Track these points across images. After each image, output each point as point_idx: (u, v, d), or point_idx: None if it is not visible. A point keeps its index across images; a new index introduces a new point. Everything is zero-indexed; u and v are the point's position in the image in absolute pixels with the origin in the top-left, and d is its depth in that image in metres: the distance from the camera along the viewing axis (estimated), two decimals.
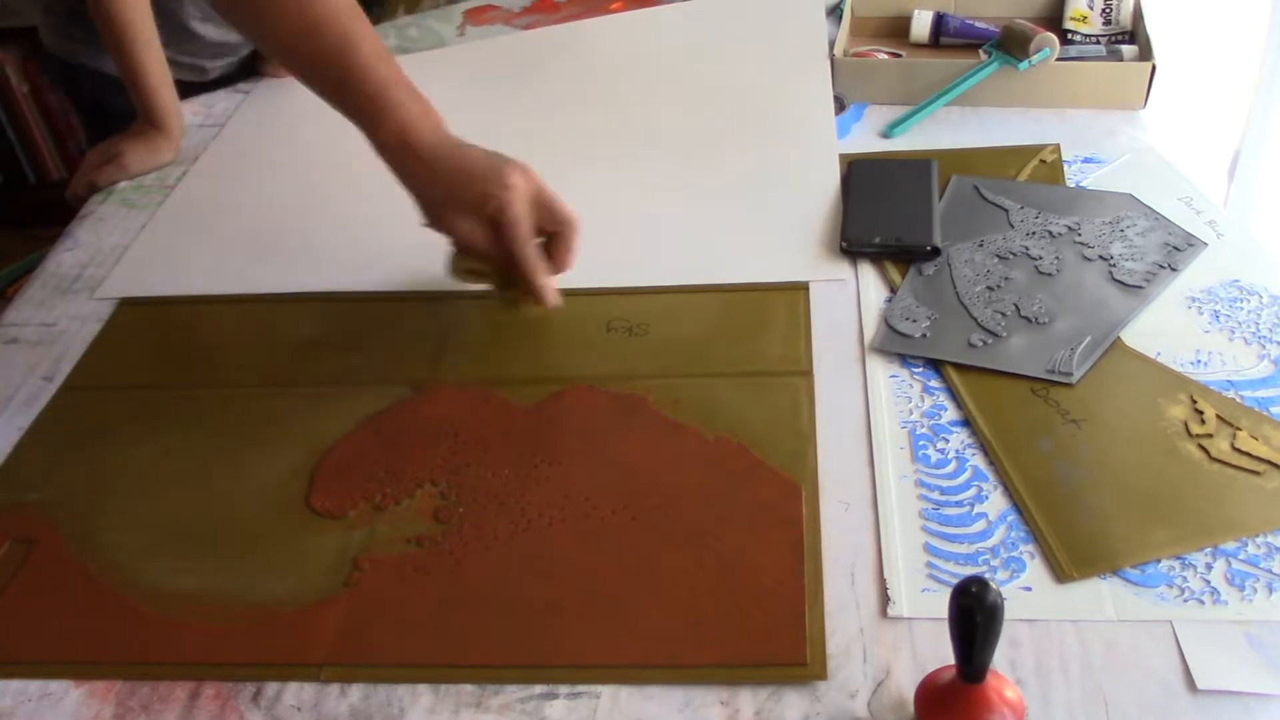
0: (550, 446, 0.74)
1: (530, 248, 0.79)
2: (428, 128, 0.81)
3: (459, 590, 0.65)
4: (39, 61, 2.27)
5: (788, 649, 0.60)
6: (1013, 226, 0.91)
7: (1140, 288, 0.83)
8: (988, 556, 0.65)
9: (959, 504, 0.68)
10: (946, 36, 1.20)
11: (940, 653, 0.59)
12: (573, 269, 0.82)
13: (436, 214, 0.81)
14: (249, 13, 0.85)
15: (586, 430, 0.75)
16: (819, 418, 0.75)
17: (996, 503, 0.68)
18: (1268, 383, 0.75)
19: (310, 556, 0.68)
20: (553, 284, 0.81)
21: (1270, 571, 0.62)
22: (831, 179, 0.99)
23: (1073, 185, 0.96)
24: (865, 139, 1.06)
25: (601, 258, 0.93)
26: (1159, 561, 0.63)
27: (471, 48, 1.31)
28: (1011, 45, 1.08)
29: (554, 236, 0.81)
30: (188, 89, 1.22)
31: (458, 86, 1.21)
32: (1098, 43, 1.15)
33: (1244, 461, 0.69)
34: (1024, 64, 1.06)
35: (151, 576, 0.68)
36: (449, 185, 0.80)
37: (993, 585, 0.50)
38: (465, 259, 0.84)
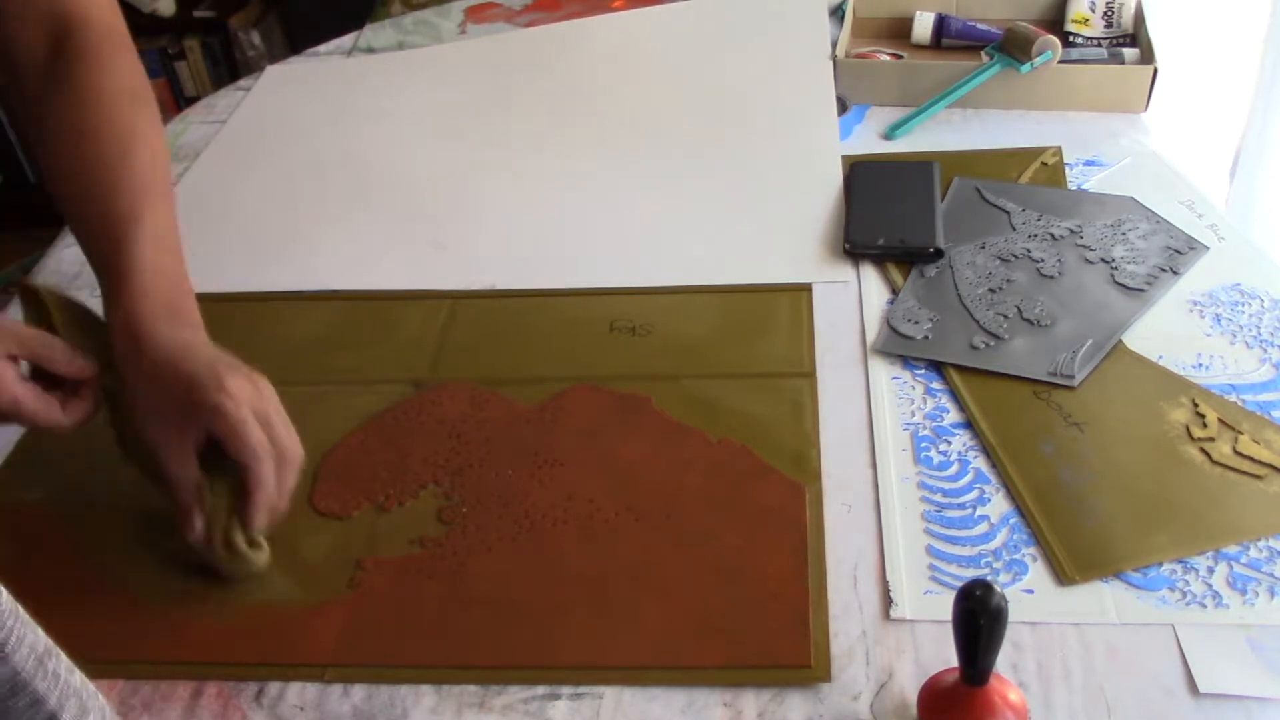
0: (553, 447, 0.74)
1: (263, 458, 0.63)
2: (163, 314, 0.66)
3: (462, 591, 0.65)
4: None
5: (791, 651, 0.60)
6: (1014, 229, 0.91)
7: (1142, 291, 0.83)
8: (990, 559, 0.65)
9: (961, 506, 0.68)
10: (948, 38, 1.20)
11: (943, 655, 0.59)
12: (281, 510, 0.65)
13: (142, 429, 0.66)
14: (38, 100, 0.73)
15: (589, 431, 0.75)
16: (821, 419, 0.75)
17: (999, 505, 0.68)
18: (1269, 386, 0.75)
19: (313, 557, 0.68)
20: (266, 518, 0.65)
21: (1272, 575, 0.63)
22: (833, 180, 0.99)
23: (1074, 188, 0.97)
24: (867, 140, 1.06)
25: (604, 258, 0.93)
26: (1161, 565, 0.64)
27: (472, 45, 1.31)
28: (1013, 47, 1.08)
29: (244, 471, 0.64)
30: None
31: (458, 84, 1.21)
32: (1099, 45, 1.15)
33: (1246, 465, 0.69)
34: (1026, 66, 1.06)
35: (153, 575, 0.68)
36: (158, 392, 0.64)
37: (996, 589, 0.50)
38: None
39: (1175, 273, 0.85)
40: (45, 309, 0.71)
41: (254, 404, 0.64)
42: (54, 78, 0.73)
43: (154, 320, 0.67)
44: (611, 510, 0.69)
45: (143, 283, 0.67)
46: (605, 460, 0.73)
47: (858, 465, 0.72)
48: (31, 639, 0.42)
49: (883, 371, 0.79)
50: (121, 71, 0.74)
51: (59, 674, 0.43)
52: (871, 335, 0.82)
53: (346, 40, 1.35)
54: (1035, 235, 0.90)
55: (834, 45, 1.18)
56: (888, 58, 1.18)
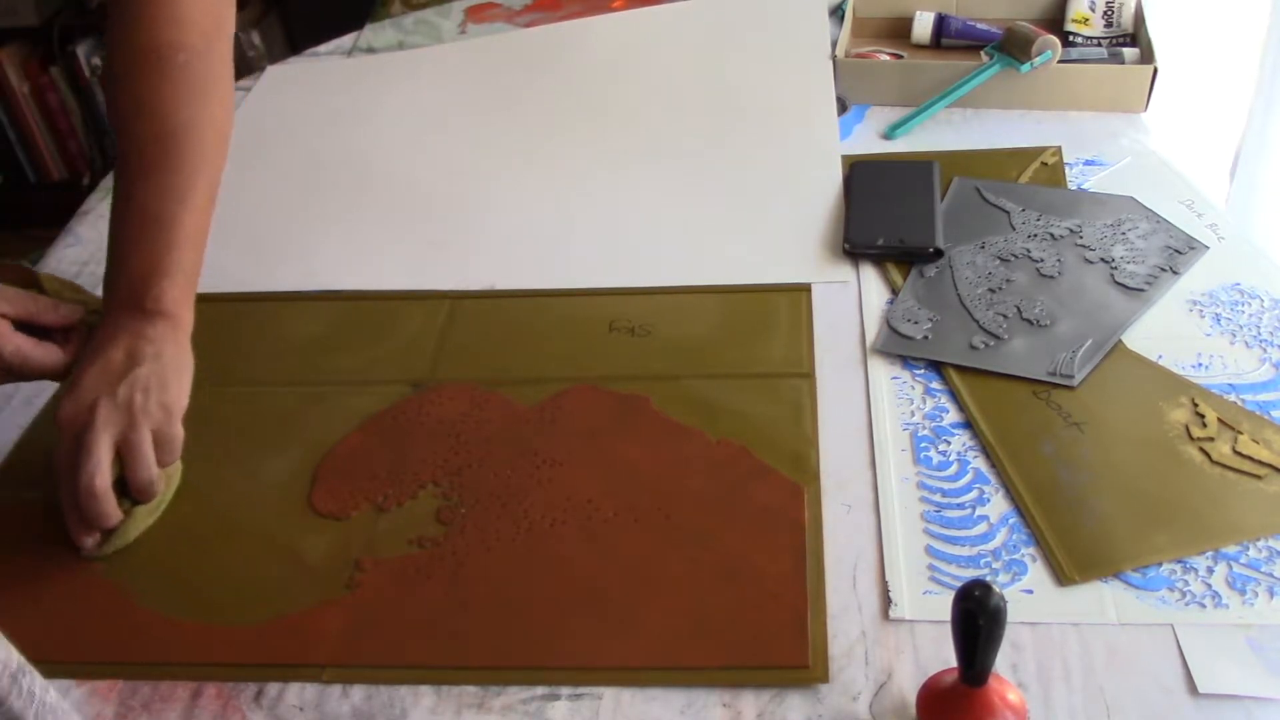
0: (552, 447, 0.74)
1: (59, 482, 0.68)
2: (123, 297, 0.71)
3: (461, 591, 0.65)
4: (39, 61, 2.26)
5: (790, 651, 0.60)
6: (1014, 229, 0.91)
7: (1142, 290, 0.83)
8: (989, 559, 0.65)
9: (960, 506, 0.68)
10: (948, 38, 1.20)
11: (942, 655, 0.59)
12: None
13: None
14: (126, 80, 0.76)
15: (589, 431, 0.75)
16: (821, 419, 0.75)
17: (998, 505, 0.68)
18: (1269, 386, 0.75)
19: (312, 557, 0.68)
20: (89, 534, 0.68)
21: (1271, 575, 0.63)
22: (833, 180, 0.99)
23: (1074, 188, 0.96)
24: (867, 140, 1.06)
25: (604, 258, 0.93)
26: (1160, 565, 0.63)
27: (472, 45, 1.31)
28: (1013, 47, 1.08)
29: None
30: None
31: (457, 84, 1.21)
32: (1099, 45, 1.15)
33: (1245, 465, 0.69)
34: (1026, 66, 1.06)
35: (153, 576, 0.68)
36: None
37: (995, 589, 0.50)
38: None
39: (1175, 272, 0.85)
40: (31, 275, 0.75)
41: (82, 431, 0.66)
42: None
43: (110, 303, 0.71)
44: (610, 510, 0.69)
45: (112, 258, 0.72)
46: (605, 460, 0.73)
47: (857, 465, 0.72)
48: (4, 655, 0.41)
49: (882, 371, 0.79)
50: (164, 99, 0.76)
51: (34, 692, 0.43)
52: (871, 335, 0.82)
53: (346, 40, 1.35)
54: (1035, 235, 0.90)
55: (834, 45, 1.18)
56: (888, 58, 1.18)
